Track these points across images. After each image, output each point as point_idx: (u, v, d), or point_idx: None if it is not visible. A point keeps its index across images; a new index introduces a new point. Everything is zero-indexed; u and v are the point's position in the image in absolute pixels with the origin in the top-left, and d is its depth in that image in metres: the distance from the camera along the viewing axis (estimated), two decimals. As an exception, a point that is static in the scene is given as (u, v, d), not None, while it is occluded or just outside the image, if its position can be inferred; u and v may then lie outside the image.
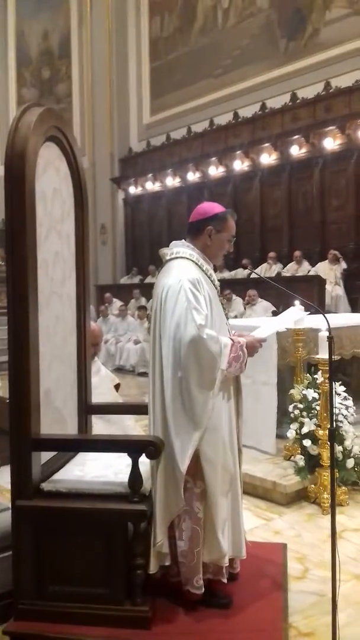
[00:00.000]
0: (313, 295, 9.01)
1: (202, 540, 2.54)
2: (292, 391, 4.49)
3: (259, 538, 3.48)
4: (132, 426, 3.62)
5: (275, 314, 8.82)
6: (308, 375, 4.51)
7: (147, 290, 11.85)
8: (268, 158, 12.02)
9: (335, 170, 10.88)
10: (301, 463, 4.17)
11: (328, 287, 9.79)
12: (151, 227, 15.01)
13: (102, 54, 16.11)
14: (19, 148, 2.35)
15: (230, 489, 2.61)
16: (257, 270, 10.69)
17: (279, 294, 9.24)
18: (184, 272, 2.56)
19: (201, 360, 2.45)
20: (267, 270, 11.13)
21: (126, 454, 2.50)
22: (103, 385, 3.60)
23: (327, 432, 3.80)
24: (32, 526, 2.46)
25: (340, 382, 4.55)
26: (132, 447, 2.50)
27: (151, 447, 2.44)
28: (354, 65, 10.44)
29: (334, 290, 9.92)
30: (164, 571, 2.64)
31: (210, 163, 13.19)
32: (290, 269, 10.88)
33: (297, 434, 4.29)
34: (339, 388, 4.40)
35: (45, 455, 2.62)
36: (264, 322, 3.18)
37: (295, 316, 3.98)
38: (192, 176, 13.74)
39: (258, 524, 3.76)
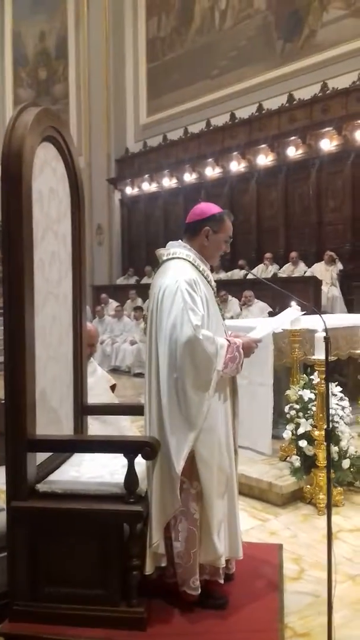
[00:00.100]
0: (309, 296, 9.01)
1: (198, 541, 2.53)
2: (288, 392, 4.49)
3: (254, 539, 3.49)
4: (128, 427, 3.62)
5: (271, 314, 8.83)
6: (304, 376, 4.51)
7: (144, 291, 11.87)
8: (265, 159, 12.03)
9: (331, 171, 10.90)
10: (297, 464, 4.17)
11: (324, 288, 9.81)
12: (147, 227, 15.01)
13: (99, 55, 16.12)
14: (16, 148, 2.35)
15: (226, 490, 2.61)
16: (254, 271, 10.68)
17: (275, 295, 9.26)
18: (180, 272, 2.56)
19: (197, 361, 2.45)
20: (264, 271, 11.14)
21: (122, 454, 2.50)
22: (99, 386, 3.60)
23: (323, 432, 3.80)
24: (28, 527, 2.45)
25: (336, 383, 4.55)
26: (128, 447, 2.50)
27: (147, 447, 2.43)
28: (350, 67, 10.47)
29: (330, 291, 9.94)
30: (160, 572, 2.63)
31: (207, 164, 13.19)
32: (286, 270, 10.89)
33: (293, 434, 4.29)
34: (335, 389, 4.41)
35: (41, 456, 2.61)
36: (260, 323, 3.18)
37: (292, 316, 3.98)
38: (189, 177, 13.74)
39: (254, 524, 3.76)
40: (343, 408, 4.32)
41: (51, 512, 2.45)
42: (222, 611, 2.60)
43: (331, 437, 2.77)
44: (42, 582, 2.46)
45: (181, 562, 2.55)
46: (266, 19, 12.37)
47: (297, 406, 4.33)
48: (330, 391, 3.48)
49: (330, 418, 4.08)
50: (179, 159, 13.91)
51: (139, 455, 2.44)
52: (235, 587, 2.76)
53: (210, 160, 13.12)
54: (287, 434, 4.37)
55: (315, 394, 4.19)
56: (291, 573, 3.10)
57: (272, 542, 3.43)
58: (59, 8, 17.22)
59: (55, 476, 2.64)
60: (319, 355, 3.92)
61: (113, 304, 12.70)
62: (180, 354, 2.43)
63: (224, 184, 12.88)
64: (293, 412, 4.33)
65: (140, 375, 9.42)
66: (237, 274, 11.53)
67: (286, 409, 4.42)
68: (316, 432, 4.05)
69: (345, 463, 4.13)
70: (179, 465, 2.43)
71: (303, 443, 4.17)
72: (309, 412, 4.24)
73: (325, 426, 2.76)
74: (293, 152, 11.45)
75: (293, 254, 10.86)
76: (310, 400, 4.27)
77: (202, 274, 2.65)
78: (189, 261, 2.64)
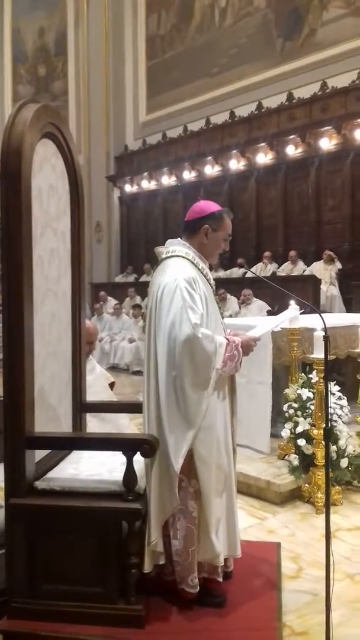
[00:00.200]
0: (308, 295, 9.02)
1: (196, 539, 2.53)
2: (286, 390, 4.49)
3: (252, 537, 3.49)
4: (127, 424, 3.62)
5: (270, 313, 8.83)
6: (303, 374, 4.51)
7: (142, 289, 11.85)
8: (264, 157, 12.03)
9: (331, 170, 10.90)
10: (295, 462, 4.17)
11: (323, 287, 9.82)
12: (147, 225, 14.99)
13: (98, 52, 16.08)
14: (15, 145, 2.34)
15: (224, 489, 2.61)
16: (253, 269, 10.68)
17: (274, 293, 9.26)
18: (179, 270, 2.56)
19: (196, 359, 2.44)
20: (263, 269, 11.14)
21: (121, 452, 2.50)
22: (98, 384, 3.60)
23: (321, 431, 3.80)
24: (26, 524, 2.45)
25: (334, 382, 4.55)
26: (126, 445, 2.50)
27: (146, 445, 2.43)
28: (350, 66, 10.45)
29: (329, 290, 9.94)
30: (159, 570, 2.63)
31: (206, 162, 13.18)
32: (285, 269, 10.89)
33: (291, 433, 4.29)
34: (334, 388, 4.41)
35: (40, 453, 2.61)
36: (260, 322, 3.18)
37: (290, 314, 3.99)
38: (188, 175, 13.73)
39: (252, 523, 3.76)
40: (341, 407, 4.32)
41: (49, 510, 2.45)
42: (220, 609, 2.60)
43: (330, 436, 2.76)
44: (40, 580, 2.46)
45: (179, 560, 2.55)
46: (266, 16, 12.35)
47: (296, 405, 4.33)
48: (329, 390, 3.48)
49: (329, 417, 4.08)
50: (179, 156, 13.89)
51: (138, 453, 2.44)
52: (233, 585, 2.77)
53: (209, 158, 13.10)
54: (285, 433, 4.37)
55: (313, 393, 4.19)
56: (289, 571, 3.10)
57: (270, 541, 3.43)
58: (59, 4, 17.18)
59: (53, 473, 2.63)
60: (318, 354, 3.92)
61: (112, 301, 12.69)
62: (179, 352, 2.43)
63: (223, 182, 12.87)
64: (292, 411, 4.34)
65: (138, 373, 9.42)
66: (236, 272, 11.52)
67: (285, 407, 4.42)
68: (315, 431, 4.05)
69: (344, 462, 4.13)
70: (178, 463, 2.43)
71: (301, 442, 4.17)
72: (307, 410, 4.24)
73: (324, 425, 2.76)
74: (292, 151, 11.44)
75: (292, 253, 10.86)
76: (308, 399, 4.27)
77: (201, 272, 2.64)
78: (188, 259, 2.63)
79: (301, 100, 11.28)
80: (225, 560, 2.70)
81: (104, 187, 16.00)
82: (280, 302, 8.44)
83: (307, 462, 4.15)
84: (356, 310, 8.81)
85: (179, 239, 2.74)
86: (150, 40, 15.31)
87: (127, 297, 12.81)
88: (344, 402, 4.37)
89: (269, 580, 2.87)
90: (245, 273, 10.88)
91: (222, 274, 11.68)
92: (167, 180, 14.34)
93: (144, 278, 13.49)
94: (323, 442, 3.38)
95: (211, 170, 13.15)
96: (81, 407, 3.08)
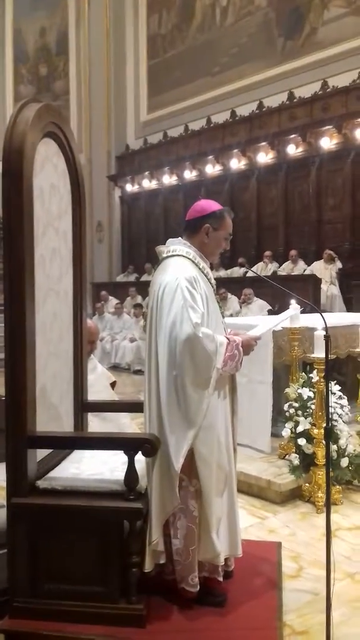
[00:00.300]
0: (308, 294, 9.01)
1: (197, 539, 2.54)
2: (287, 390, 4.49)
3: (253, 536, 3.49)
4: (128, 424, 3.62)
5: (270, 312, 8.83)
6: (303, 374, 4.52)
7: (143, 288, 11.87)
8: (265, 157, 12.03)
9: (331, 169, 10.90)
10: (296, 462, 4.18)
11: (323, 286, 9.82)
12: (148, 224, 15.00)
13: (99, 51, 16.08)
14: (17, 144, 2.34)
15: (225, 488, 2.61)
16: (253, 269, 10.68)
17: (275, 292, 9.26)
18: (180, 270, 2.56)
19: (197, 358, 2.44)
20: (263, 269, 11.14)
21: (122, 451, 2.50)
22: (99, 383, 3.60)
23: (322, 431, 3.80)
24: (28, 524, 2.45)
25: (335, 382, 4.56)
26: (128, 444, 2.50)
27: (147, 444, 2.43)
28: (351, 65, 10.45)
29: (329, 289, 9.94)
30: (159, 569, 2.64)
31: (207, 161, 13.18)
32: (285, 268, 10.90)
33: (292, 432, 4.29)
34: (334, 387, 4.41)
35: (41, 453, 2.61)
36: (260, 321, 3.18)
37: (291, 314, 3.99)
38: (189, 174, 13.73)
39: (252, 522, 3.76)
40: (342, 406, 4.32)
41: (51, 509, 2.45)
42: (221, 608, 2.60)
43: (330, 435, 2.77)
44: (42, 579, 2.46)
45: (180, 559, 2.55)
46: (267, 16, 12.35)
47: (296, 404, 4.33)
48: (330, 389, 3.49)
49: (329, 416, 4.08)
50: (180, 156, 13.89)
51: (139, 452, 2.44)
52: (234, 585, 2.77)
53: (210, 157, 13.10)
54: (286, 432, 4.37)
55: (314, 392, 4.20)
56: (290, 571, 3.11)
57: (270, 540, 3.44)
58: (60, 4, 17.18)
59: (55, 473, 2.64)
60: (319, 353, 3.92)
61: (113, 301, 12.70)
62: (179, 352, 2.43)
63: (224, 181, 12.87)
64: (292, 410, 4.34)
65: (139, 372, 9.43)
66: (237, 271, 11.53)
67: (285, 407, 4.42)
68: (315, 430, 4.05)
69: (344, 461, 4.13)
70: (178, 462, 2.43)
71: (302, 441, 4.17)
72: (308, 410, 4.24)
73: (324, 424, 2.76)
74: (293, 150, 11.44)
75: (292, 252, 10.87)
76: (309, 398, 4.27)
77: (202, 272, 2.64)
78: (189, 258, 2.63)
79: (302, 100, 11.29)
80: (226, 559, 2.70)
81: (105, 186, 16.01)
82: (280, 301, 8.46)
83: (307, 462, 4.15)
84: (356, 309, 8.81)
85: (179, 238, 2.74)
86: (151, 40, 15.31)
87: (128, 297, 12.82)
88: (345, 401, 4.38)
89: (269, 580, 2.87)
90: (246, 272, 10.88)
91: (222, 273, 11.69)
92: (168, 179, 14.34)
93: (145, 277, 13.50)
94: (323, 442, 3.39)
95: (212, 169, 13.15)
96: (82, 406, 3.08)
